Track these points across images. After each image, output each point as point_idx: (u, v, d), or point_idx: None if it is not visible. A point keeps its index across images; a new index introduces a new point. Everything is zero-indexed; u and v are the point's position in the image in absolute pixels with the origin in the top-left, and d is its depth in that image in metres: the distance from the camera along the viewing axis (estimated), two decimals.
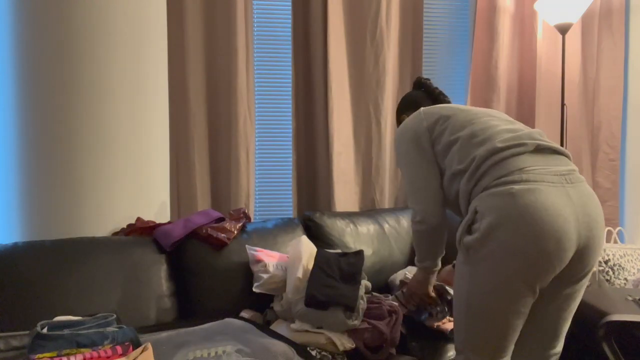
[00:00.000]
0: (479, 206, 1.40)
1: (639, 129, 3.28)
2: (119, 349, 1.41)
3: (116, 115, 2.20)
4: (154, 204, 2.35)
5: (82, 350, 1.40)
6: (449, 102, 1.95)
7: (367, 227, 2.56)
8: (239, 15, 2.75)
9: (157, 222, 2.26)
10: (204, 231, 2.18)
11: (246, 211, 2.46)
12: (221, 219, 2.33)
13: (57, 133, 2.13)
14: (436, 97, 1.95)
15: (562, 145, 3.07)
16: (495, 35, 3.14)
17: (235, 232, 2.24)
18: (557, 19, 2.95)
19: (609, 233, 3.15)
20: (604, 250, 2.86)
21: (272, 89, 2.98)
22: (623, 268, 2.80)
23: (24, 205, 2.17)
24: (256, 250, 2.19)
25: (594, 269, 1.47)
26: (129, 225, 2.22)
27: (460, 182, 1.51)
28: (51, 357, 1.35)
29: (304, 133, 2.95)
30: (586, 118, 3.31)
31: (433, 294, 1.91)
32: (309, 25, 2.91)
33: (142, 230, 2.20)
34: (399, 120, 2.00)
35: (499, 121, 1.57)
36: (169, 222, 2.28)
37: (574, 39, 3.22)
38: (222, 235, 2.18)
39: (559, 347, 1.55)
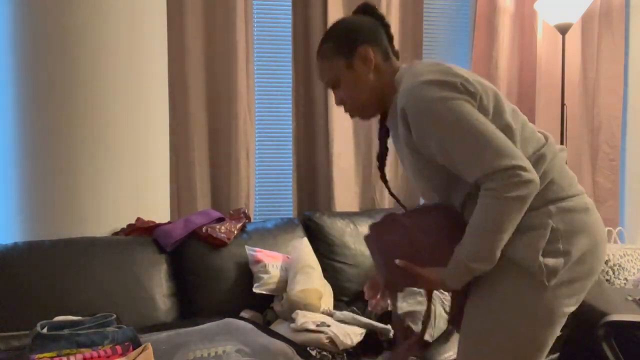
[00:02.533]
0: (557, 222, 1.18)
1: (639, 129, 3.28)
2: (118, 348, 1.42)
3: (116, 116, 2.20)
4: (154, 204, 2.35)
5: (82, 350, 1.40)
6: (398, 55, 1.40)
7: (367, 227, 2.56)
8: (239, 15, 2.75)
9: (157, 222, 2.25)
10: (204, 231, 2.18)
11: (246, 211, 2.46)
12: (221, 219, 2.33)
13: (57, 133, 2.13)
14: (391, 36, 1.37)
15: (562, 145, 3.07)
16: (495, 35, 3.14)
17: (235, 232, 2.24)
18: (557, 19, 2.95)
19: (609, 233, 3.15)
20: None
21: (272, 89, 2.98)
22: (623, 268, 2.80)
23: (24, 205, 2.17)
24: (255, 251, 2.19)
25: None
26: (129, 225, 2.22)
27: None
28: (51, 357, 1.35)
29: (304, 133, 2.95)
30: (586, 118, 3.31)
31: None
32: (309, 25, 2.91)
33: (142, 230, 2.20)
34: (349, 51, 1.30)
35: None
36: (169, 222, 2.28)
37: (574, 39, 3.22)
38: (222, 235, 2.18)
39: None
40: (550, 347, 1.25)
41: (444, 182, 1.27)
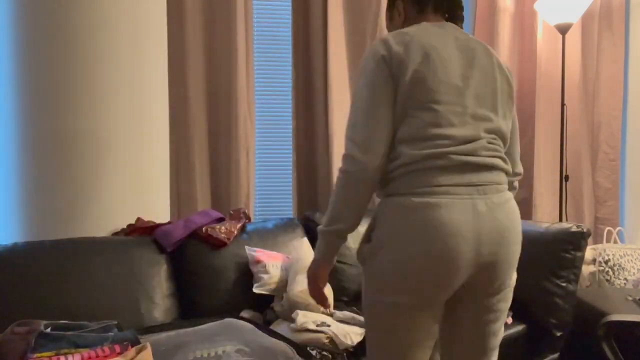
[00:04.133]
0: (378, 212, 1.32)
1: (639, 129, 3.28)
2: (117, 347, 1.42)
3: (116, 115, 2.20)
4: (154, 204, 2.35)
5: (80, 349, 1.40)
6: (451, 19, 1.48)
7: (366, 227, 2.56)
8: (239, 15, 2.75)
9: (157, 222, 2.26)
10: (204, 231, 2.18)
11: (246, 211, 2.46)
12: (221, 219, 2.33)
13: (57, 133, 2.13)
14: (451, 3, 1.48)
15: (562, 145, 3.07)
16: (495, 35, 3.14)
17: (235, 232, 2.24)
18: (557, 19, 2.95)
19: (609, 233, 3.15)
20: (604, 250, 2.87)
21: (272, 89, 2.98)
22: (623, 268, 2.80)
23: (24, 205, 2.17)
24: (256, 251, 2.19)
25: (512, 282, 1.35)
26: (129, 225, 2.22)
27: (401, 153, 1.27)
28: (49, 357, 1.36)
29: (304, 133, 2.95)
30: (586, 118, 3.31)
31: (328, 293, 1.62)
32: (309, 25, 2.91)
33: (142, 230, 2.20)
34: (392, 2, 1.48)
35: (464, 114, 1.28)
36: (169, 222, 2.29)
37: (574, 39, 3.22)
38: (222, 235, 2.18)
39: None
40: (413, 335, 1.28)
41: None
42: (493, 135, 1.33)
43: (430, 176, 1.25)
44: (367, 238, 1.32)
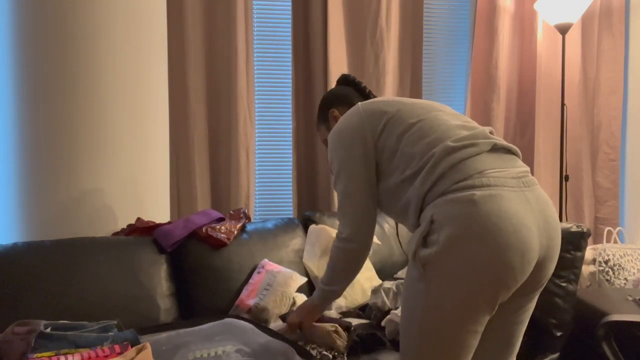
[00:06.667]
0: (436, 214, 1.24)
1: (639, 129, 3.29)
2: (117, 347, 1.41)
3: (116, 115, 2.20)
4: (154, 204, 2.35)
5: (80, 349, 1.40)
6: None
7: None
8: (239, 15, 2.75)
9: (157, 222, 2.25)
10: (204, 231, 2.18)
11: (246, 211, 2.46)
12: (221, 219, 2.33)
13: (57, 133, 2.13)
14: (367, 94, 1.73)
15: (562, 145, 3.07)
16: (495, 35, 3.14)
17: (235, 232, 2.24)
18: (557, 19, 2.95)
19: (609, 233, 3.15)
20: (604, 250, 2.87)
21: (272, 89, 2.98)
22: (623, 268, 2.80)
23: (24, 205, 2.17)
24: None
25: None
26: (129, 225, 2.22)
27: (410, 188, 1.32)
28: (49, 357, 1.35)
29: (304, 133, 2.95)
30: (586, 118, 3.32)
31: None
32: (309, 25, 2.91)
33: (142, 230, 2.20)
34: (325, 117, 1.72)
35: (449, 116, 1.41)
36: (169, 222, 2.28)
37: (574, 39, 3.22)
38: (222, 235, 2.18)
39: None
40: (474, 334, 1.25)
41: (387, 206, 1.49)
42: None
43: (478, 163, 1.27)
44: (422, 242, 1.26)
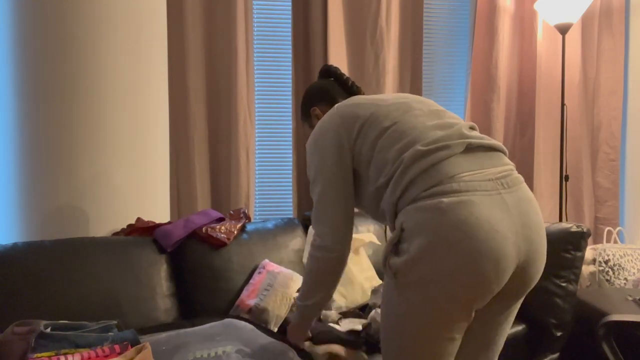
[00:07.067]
0: (405, 222, 1.20)
1: (639, 129, 3.29)
2: (116, 347, 1.41)
3: (116, 115, 2.20)
4: (154, 204, 2.35)
5: (80, 349, 1.40)
6: (362, 93, 1.65)
7: (367, 227, 2.56)
8: (239, 15, 2.75)
9: (157, 222, 2.25)
10: (204, 231, 2.18)
11: (246, 211, 2.46)
12: (221, 219, 2.33)
13: (57, 133, 2.13)
14: (349, 87, 1.65)
15: (562, 145, 3.07)
16: (495, 35, 3.14)
17: (235, 232, 2.24)
18: (557, 19, 2.95)
19: (609, 233, 3.15)
20: (604, 250, 2.86)
21: (272, 89, 2.98)
22: (623, 268, 2.80)
23: (24, 205, 2.17)
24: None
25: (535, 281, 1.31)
26: (129, 225, 2.22)
27: (384, 195, 1.29)
28: (49, 357, 1.35)
29: (304, 133, 2.94)
30: (586, 118, 3.32)
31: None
32: (309, 25, 2.91)
33: (142, 230, 2.20)
34: (307, 114, 1.67)
35: (425, 116, 1.34)
36: (169, 222, 2.28)
37: (574, 39, 3.22)
38: (222, 235, 2.18)
39: None
40: (451, 341, 1.22)
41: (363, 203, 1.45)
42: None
43: (449, 166, 1.21)
44: (394, 250, 1.23)
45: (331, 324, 1.94)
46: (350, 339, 1.78)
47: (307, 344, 1.72)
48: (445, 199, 1.16)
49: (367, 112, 1.37)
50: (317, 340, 1.74)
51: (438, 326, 1.21)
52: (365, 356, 1.74)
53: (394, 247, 1.23)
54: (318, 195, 1.40)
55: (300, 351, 1.63)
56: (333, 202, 1.38)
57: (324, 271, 1.42)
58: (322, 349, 1.72)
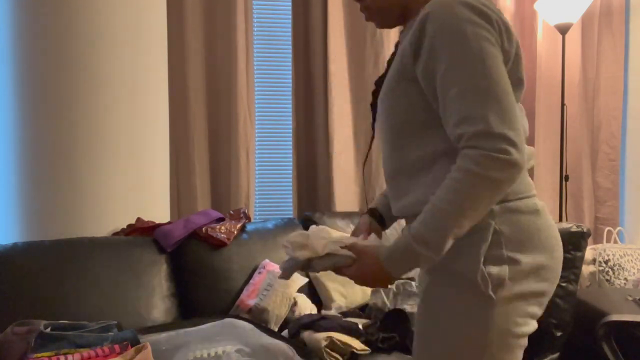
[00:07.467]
0: (500, 225, 1.00)
1: (639, 129, 3.28)
2: (116, 347, 1.42)
3: (116, 115, 2.20)
4: (154, 204, 2.35)
5: (80, 349, 1.40)
6: None
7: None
8: (239, 15, 2.75)
9: (157, 222, 2.25)
10: (204, 231, 2.18)
11: (246, 211, 2.46)
12: (221, 219, 2.33)
13: (57, 133, 2.13)
14: None
15: (562, 145, 3.07)
16: None
17: (235, 232, 2.24)
18: (557, 19, 2.95)
19: (609, 233, 3.15)
20: (604, 250, 2.87)
21: (272, 89, 2.98)
22: (623, 268, 2.80)
23: (23, 205, 2.17)
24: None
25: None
26: (129, 225, 2.22)
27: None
28: (49, 357, 1.36)
29: (304, 133, 2.95)
30: (586, 118, 3.31)
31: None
32: (309, 25, 2.91)
33: (142, 230, 2.20)
34: None
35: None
36: (169, 222, 2.29)
37: (574, 39, 3.22)
38: (222, 235, 2.18)
39: None
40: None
41: (412, 128, 1.08)
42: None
43: (527, 177, 1.10)
44: (492, 259, 1.00)
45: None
46: (351, 327, 1.81)
47: (306, 332, 1.72)
48: (535, 201, 1.07)
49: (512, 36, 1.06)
50: (317, 328, 1.74)
51: (515, 349, 1.08)
52: (364, 346, 1.75)
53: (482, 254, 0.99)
54: (487, 76, 0.97)
55: (298, 347, 1.63)
56: (508, 89, 1.00)
57: (493, 196, 0.96)
58: (322, 335, 1.73)
